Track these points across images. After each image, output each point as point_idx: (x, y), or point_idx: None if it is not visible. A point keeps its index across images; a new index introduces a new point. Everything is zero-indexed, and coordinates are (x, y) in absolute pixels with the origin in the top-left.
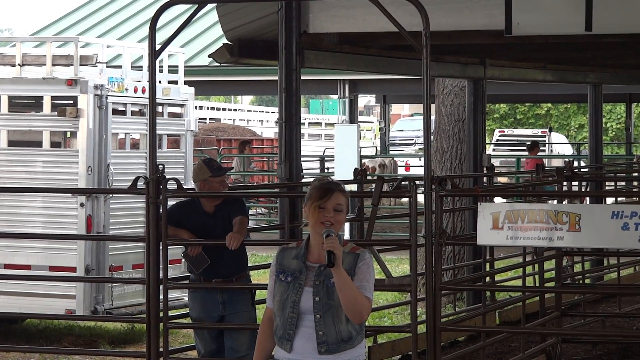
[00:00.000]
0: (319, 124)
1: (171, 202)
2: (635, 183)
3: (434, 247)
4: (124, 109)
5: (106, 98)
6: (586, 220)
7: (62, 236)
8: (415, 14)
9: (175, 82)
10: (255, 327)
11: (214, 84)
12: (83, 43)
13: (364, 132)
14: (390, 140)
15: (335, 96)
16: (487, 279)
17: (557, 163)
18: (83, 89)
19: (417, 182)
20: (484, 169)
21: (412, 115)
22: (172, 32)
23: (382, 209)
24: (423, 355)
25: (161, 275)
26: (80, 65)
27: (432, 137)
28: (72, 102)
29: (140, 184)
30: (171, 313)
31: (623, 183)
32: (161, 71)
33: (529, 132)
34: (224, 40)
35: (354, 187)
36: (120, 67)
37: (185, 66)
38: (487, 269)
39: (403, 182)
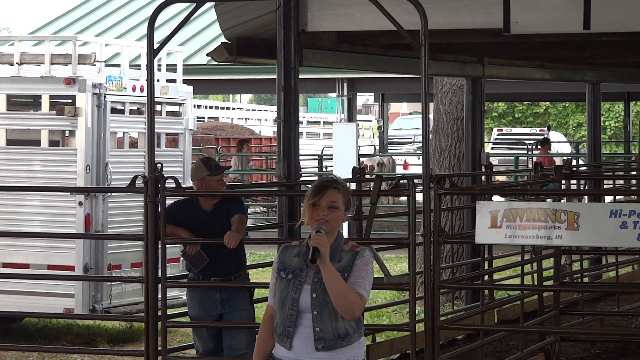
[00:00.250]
0: (318, 122)
1: (169, 201)
2: (633, 182)
3: (433, 245)
4: (122, 107)
5: (104, 97)
6: (584, 218)
7: (61, 235)
8: (414, 13)
9: (174, 81)
10: (254, 325)
11: (213, 82)
12: (81, 42)
13: (362, 131)
14: (389, 139)
15: (333, 95)
16: (486, 277)
17: (556, 161)
18: (81, 87)
19: (416, 181)
20: (483, 167)
21: (410, 113)
22: (170, 31)
23: (381, 208)
24: (421, 353)
25: (160, 274)
26: (79, 64)
27: (430, 135)
28: (70, 100)
29: (139, 182)
30: (170, 312)
31: (621, 181)
32: (159, 70)
33: (527, 130)
34: (223, 39)
35: (352, 186)
36: (118, 65)
37: (183, 65)
38: (486, 267)
39: (401, 181)
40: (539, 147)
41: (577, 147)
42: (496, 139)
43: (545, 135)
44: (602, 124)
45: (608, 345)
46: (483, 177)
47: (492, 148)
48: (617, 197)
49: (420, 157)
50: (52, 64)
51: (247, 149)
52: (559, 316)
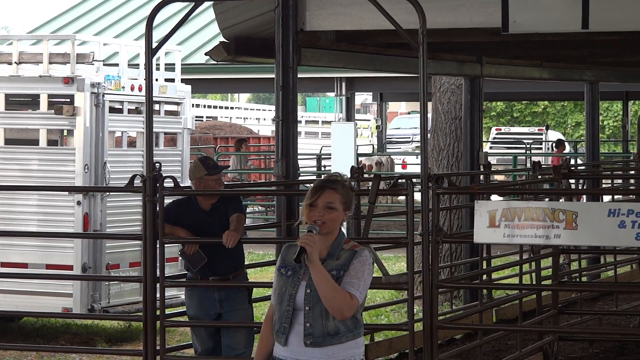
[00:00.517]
0: (316, 121)
1: (168, 200)
2: (632, 181)
3: (431, 245)
4: (120, 107)
5: (103, 96)
6: (583, 218)
7: (59, 234)
8: (412, 12)
9: (172, 80)
10: (253, 325)
11: (211, 81)
12: (80, 41)
13: (360, 130)
14: (387, 138)
15: (332, 94)
16: (484, 277)
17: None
18: (80, 87)
19: (414, 180)
20: (481, 166)
21: (409, 113)
22: (169, 30)
23: (379, 207)
24: (420, 353)
25: (158, 273)
26: (77, 63)
27: (429, 135)
28: (68, 100)
29: (137, 182)
30: (168, 311)
31: (620, 181)
32: (158, 69)
33: (525, 130)
34: (221, 38)
35: None
36: (117, 65)
37: (182, 64)
38: (484, 266)
39: (400, 180)
40: (554, 148)
41: (576, 147)
42: (494, 138)
43: (544, 133)
44: (600, 123)
45: (606, 344)
46: (481, 177)
47: (491, 147)
48: (616, 197)
49: (419, 157)
50: (50, 63)
51: (246, 148)
52: (558, 315)
